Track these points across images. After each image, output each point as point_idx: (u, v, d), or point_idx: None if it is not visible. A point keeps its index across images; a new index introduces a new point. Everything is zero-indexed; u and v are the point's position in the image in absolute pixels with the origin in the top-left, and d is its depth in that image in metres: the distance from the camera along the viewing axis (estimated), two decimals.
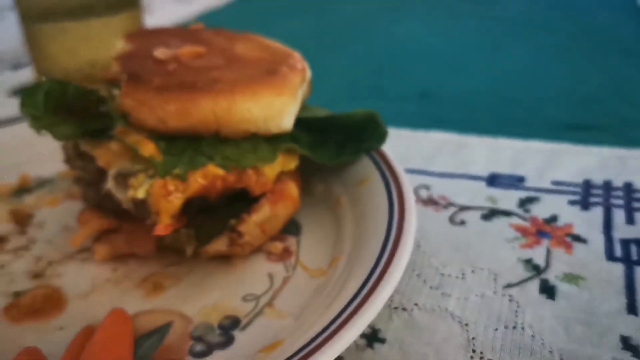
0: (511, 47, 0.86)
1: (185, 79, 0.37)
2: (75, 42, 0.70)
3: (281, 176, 0.41)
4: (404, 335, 0.34)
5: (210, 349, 0.33)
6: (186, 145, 0.37)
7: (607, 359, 0.31)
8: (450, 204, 0.46)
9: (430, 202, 0.46)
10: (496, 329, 0.34)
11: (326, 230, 0.42)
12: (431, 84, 0.73)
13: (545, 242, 0.41)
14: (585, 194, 0.46)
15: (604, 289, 0.36)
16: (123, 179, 0.37)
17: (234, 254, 0.39)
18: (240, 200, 0.39)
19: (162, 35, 0.45)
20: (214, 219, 0.38)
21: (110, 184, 0.37)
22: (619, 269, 0.38)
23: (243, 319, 0.35)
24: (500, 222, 0.43)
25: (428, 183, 0.49)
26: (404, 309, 0.36)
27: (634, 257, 0.39)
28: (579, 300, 0.35)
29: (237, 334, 0.34)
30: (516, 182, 0.48)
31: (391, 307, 0.36)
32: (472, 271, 0.38)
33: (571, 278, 0.37)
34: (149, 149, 0.35)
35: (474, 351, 0.32)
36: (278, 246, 0.41)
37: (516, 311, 0.35)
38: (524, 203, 0.45)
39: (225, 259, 0.40)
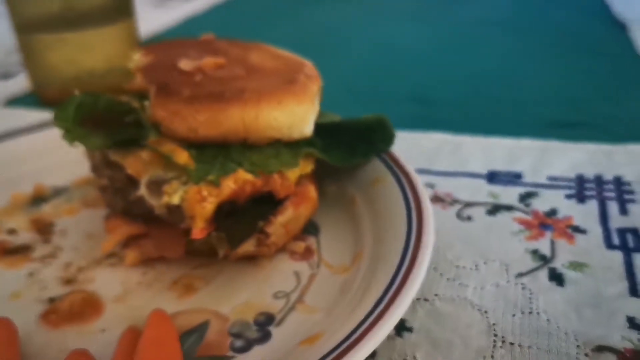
0: (486, 49, 0.89)
1: (212, 89, 0.39)
2: (72, 52, 0.71)
3: (301, 179, 0.43)
4: (429, 324, 0.36)
5: (250, 344, 0.35)
6: (216, 152, 0.39)
7: (617, 338, 0.34)
8: (455, 201, 0.49)
9: (436, 199, 0.49)
10: (514, 315, 0.36)
11: (344, 229, 0.45)
12: (419, 86, 0.76)
13: (548, 234, 0.44)
14: (580, 188, 0.49)
15: (607, 274, 0.39)
16: (156, 186, 0.38)
17: (261, 254, 0.41)
18: (265, 203, 0.41)
19: (179, 46, 0.47)
20: (242, 222, 0.40)
21: (143, 191, 0.39)
22: (618, 256, 0.41)
23: (277, 315, 0.37)
24: (504, 217, 0.46)
25: (432, 181, 0.52)
26: (426, 300, 0.38)
27: (631, 244, 0.42)
28: (586, 286, 0.38)
29: (273, 329, 0.36)
30: (514, 178, 0.51)
31: (414, 298, 0.38)
32: (485, 263, 0.41)
33: (576, 266, 0.40)
34: (183, 157, 0.37)
35: (495, 336, 0.35)
36: (300, 245, 0.43)
37: (530, 298, 0.38)
38: (524, 198, 0.48)
39: (251, 259, 0.42)
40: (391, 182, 0.44)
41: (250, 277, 0.41)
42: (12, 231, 0.47)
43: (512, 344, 0.34)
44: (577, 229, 0.44)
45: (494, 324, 0.36)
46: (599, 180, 0.50)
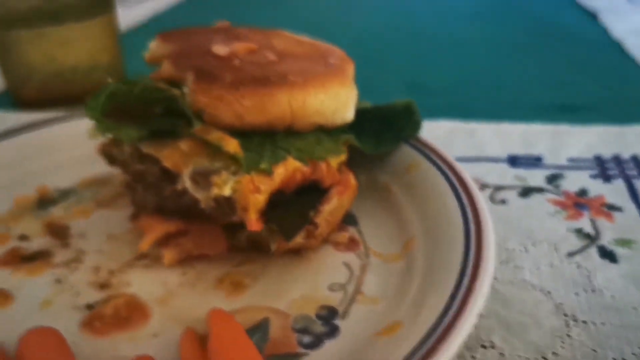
0: (468, 40, 0.90)
1: (255, 73, 0.37)
2: (52, 48, 0.67)
3: (340, 167, 0.42)
4: (496, 308, 0.36)
5: (319, 339, 0.34)
6: (262, 140, 0.37)
7: None
8: (484, 185, 0.48)
9: None
10: (577, 294, 0.36)
11: (384, 217, 0.43)
12: (416, 75, 0.75)
13: (585, 213, 0.44)
14: (602, 169, 0.50)
15: None
16: (202, 177, 0.36)
17: (308, 246, 0.40)
18: (309, 192, 0.39)
19: (199, 34, 0.44)
20: (293, 213, 0.38)
21: (186, 184, 0.36)
22: None
23: (338, 307, 0.36)
24: (537, 198, 0.46)
25: None
26: None
27: None
28: (638, 260, 0.39)
29: (339, 322, 0.35)
30: (535, 161, 0.52)
31: None
32: (533, 244, 0.41)
33: (623, 242, 0.40)
34: (232, 145, 0.35)
35: (565, 315, 0.35)
36: (344, 236, 0.42)
37: (588, 276, 0.38)
38: (551, 180, 0.49)
39: (295, 252, 0.40)
40: (428, 168, 0.44)
41: (299, 271, 0.39)
42: (23, 237, 0.44)
43: (584, 322, 0.34)
44: (613, 207, 0.45)
45: (560, 304, 0.36)
46: (617, 160, 0.51)
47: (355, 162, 0.46)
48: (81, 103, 0.65)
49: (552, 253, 0.40)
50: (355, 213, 0.44)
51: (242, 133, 0.37)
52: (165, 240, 0.40)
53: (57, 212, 0.47)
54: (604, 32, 0.87)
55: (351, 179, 0.42)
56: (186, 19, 1.12)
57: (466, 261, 0.34)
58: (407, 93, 0.60)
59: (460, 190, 0.40)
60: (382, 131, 0.46)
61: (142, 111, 0.39)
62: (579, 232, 0.42)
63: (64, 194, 0.49)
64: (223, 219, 0.37)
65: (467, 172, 0.47)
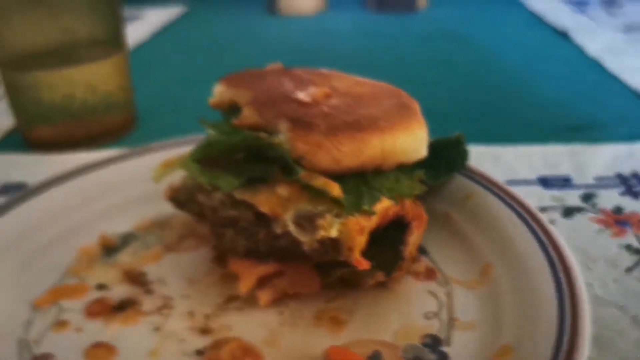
0: (448, 63, 0.94)
1: (345, 119, 0.39)
2: (66, 88, 0.66)
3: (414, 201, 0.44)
4: None
5: None
6: (356, 182, 0.39)
7: None
8: None
9: None
10: None
11: (451, 245, 0.46)
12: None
13: (629, 230, 0.48)
14: (627, 186, 0.54)
15: None
16: (307, 221, 0.38)
17: (394, 279, 0.42)
18: (394, 228, 0.42)
19: (264, 78, 0.46)
20: (386, 249, 0.40)
21: (290, 227, 0.38)
22: None
23: (440, 335, 0.38)
24: (579, 218, 0.50)
25: None
26: None
27: None
28: None
29: (446, 349, 0.37)
30: (564, 182, 0.56)
31: None
32: (593, 261, 0.45)
33: None
34: (336, 189, 0.37)
35: None
36: (422, 265, 0.44)
37: None
38: (586, 199, 0.53)
39: (381, 285, 0.42)
40: (486, 195, 0.47)
41: (390, 303, 0.41)
42: (102, 286, 0.44)
43: None
44: None
45: (635, 316, 0.39)
46: (637, 177, 0.56)
47: None
48: (95, 143, 0.66)
49: (612, 269, 0.44)
50: (424, 243, 0.47)
51: (337, 176, 0.39)
52: (259, 282, 0.41)
53: (125, 259, 0.47)
54: (579, 51, 0.94)
55: (423, 212, 0.44)
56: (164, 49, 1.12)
57: (559, 284, 0.37)
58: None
59: (524, 214, 0.43)
60: (437, 164, 0.48)
61: (229, 160, 0.41)
62: (629, 248, 0.46)
63: (125, 239, 0.49)
64: (321, 258, 0.39)
65: None
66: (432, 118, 0.44)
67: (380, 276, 0.41)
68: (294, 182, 0.39)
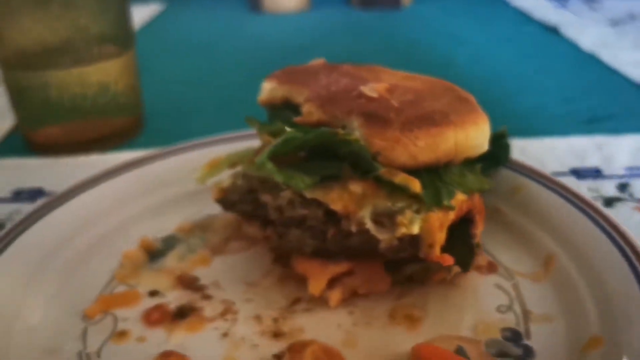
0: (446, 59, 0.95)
1: (416, 114, 0.39)
2: (72, 89, 0.63)
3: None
4: None
5: None
6: (430, 177, 0.38)
7: None
8: None
9: None
10: None
11: (507, 238, 0.46)
12: None
13: None
14: None
15: None
16: (386, 218, 0.37)
17: (460, 274, 0.42)
18: (462, 222, 0.41)
19: (315, 74, 0.45)
20: (460, 243, 0.39)
21: (368, 225, 0.37)
22: None
23: (518, 328, 0.38)
24: (621, 207, 0.51)
25: None
26: None
27: None
28: None
29: (529, 342, 0.37)
30: (596, 173, 0.56)
31: None
32: None
33: None
34: (417, 185, 0.36)
35: None
36: (484, 259, 0.44)
37: None
38: (622, 189, 0.54)
39: (447, 281, 0.42)
40: (535, 187, 0.47)
41: (459, 298, 0.41)
42: (155, 293, 0.42)
43: None
44: None
45: None
46: None
47: None
48: (104, 146, 0.63)
49: None
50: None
51: (411, 172, 0.38)
52: (329, 282, 0.40)
53: (172, 263, 0.45)
54: (573, 46, 0.95)
55: (482, 205, 0.44)
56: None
57: (636, 271, 0.37)
58: None
59: (579, 204, 0.44)
60: (481, 158, 0.48)
61: (294, 158, 0.39)
62: None
63: (168, 243, 0.47)
64: (396, 256, 0.38)
65: None
66: None
67: (449, 272, 0.40)
68: (366, 179, 0.38)
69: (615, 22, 1.06)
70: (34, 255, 0.42)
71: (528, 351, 0.36)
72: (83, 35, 0.61)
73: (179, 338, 0.38)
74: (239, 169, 0.45)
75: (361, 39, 1.08)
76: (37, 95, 0.63)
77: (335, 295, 0.40)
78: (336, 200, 0.38)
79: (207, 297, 0.42)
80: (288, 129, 0.37)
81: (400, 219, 0.36)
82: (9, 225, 0.43)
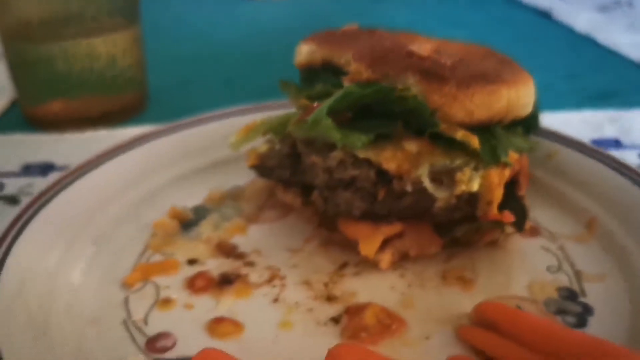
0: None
1: (469, 72, 0.38)
2: (76, 63, 0.61)
3: None
4: None
5: (582, 318, 0.35)
6: (484, 136, 0.38)
7: None
8: None
9: None
10: None
11: (545, 202, 0.46)
12: None
13: None
14: None
15: None
16: (445, 175, 0.36)
17: (505, 236, 0.41)
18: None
19: (355, 36, 0.44)
20: (510, 202, 0.39)
21: (426, 184, 0.36)
22: None
23: (573, 287, 0.38)
24: None
25: None
26: None
27: None
28: None
29: (586, 300, 0.37)
30: (616, 144, 0.57)
31: None
32: None
33: None
34: (475, 141, 0.36)
35: None
36: (527, 223, 0.43)
37: None
38: None
39: (493, 244, 0.41)
40: (569, 152, 0.47)
41: (507, 260, 0.41)
42: (194, 261, 0.41)
43: None
44: None
45: None
46: None
47: None
48: (104, 123, 0.61)
49: None
50: None
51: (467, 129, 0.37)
52: (380, 245, 0.39)
53: (206, 232, 0.44)
54: (568, 29, 0.96)
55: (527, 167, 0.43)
56: None
57: None
58: None
59: (616, 165, 0.44)
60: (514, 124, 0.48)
61: (343, 117, 0.38)
62: None
63: (199, 212, 0.46)
64: (449, 216, 0.38)
65: None
66: None
67: (502, 233, 0.40)
68: (420, 137, 0.37)
69: (603, 8, 1.08)
70: (64, 224, 0.40)
71: (586, 309, 0.36)
72: (92, 5, 0.58)
73: (227, 305, 0.37)
74: (272, 135, 0.44)
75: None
76: (41, 69, 0.60)
77: (386, 258, 0.39)
78: (390, 159, 0.37)
79: (250, 264, 0.40)
80: (343, 86, 0.36)
81: (459, 176, 0.36)
82: (36, 192, 0.41)
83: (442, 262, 0.40)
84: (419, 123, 0.37)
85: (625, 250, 0.40)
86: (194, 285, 0.38)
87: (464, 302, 0.37)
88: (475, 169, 0.36)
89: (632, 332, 0.34)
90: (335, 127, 0.36)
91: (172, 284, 0.39)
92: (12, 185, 0.51)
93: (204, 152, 0.50)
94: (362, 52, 0.40)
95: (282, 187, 0.44)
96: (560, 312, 0.36)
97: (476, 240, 0.41)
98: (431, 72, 0.37)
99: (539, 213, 0.45)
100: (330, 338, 0.34)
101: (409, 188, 0.37)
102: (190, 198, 0.47)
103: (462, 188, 0.36)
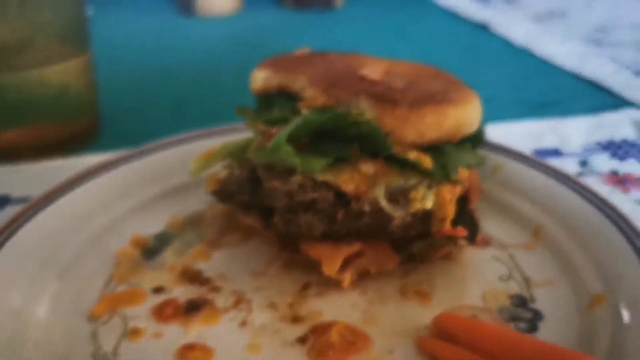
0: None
1: (419, 94, 0.40)
2: (26, 92, 0.60)
3: None
4: None
5: (532, 324, 0.38)
6: (435, 155, 0.40)
7: None
8: None
9: None
10: None
11: (493, 213, 0.48)
12: None
13: (632, 189, 0.53)
14: (611, 151, 0.60)
15: None
16: (400, 195, 0.38)
17: (458, 249, 0.43)
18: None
19: (309, 60, 0.46)
20: (462, 217, 0.41)
21: (382, 203, 0.38)
22: None
23: (524, 294, 0.40)
24: (589, 182, 0.55)
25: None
26: None
27: None
28: None
29: (536, 306, 0.39)
30: (556, 153, 0.60)
31: None
32: None
33: None
34: (427, 161, 0.38)
35: None
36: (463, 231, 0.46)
37: None
38: (584, 165, 0.58)
39: (446, 257, 0.44)
40: (515, 165, 0.50)
41: (461, 271, 0.43)
42: (159, 289, 0.41)
43: None
44: None
45: None
46: (614, 144, 0.62)
47: None
48: (59, 151, 0.60)
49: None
50: None
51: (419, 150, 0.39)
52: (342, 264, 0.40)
53: (170, 259, 0.44)
54: (505, 42, 1.01)
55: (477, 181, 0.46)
56: None
57: (624, 232, 0.40)
58: None
59: (560, 177, 0.47)
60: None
61: (300, 143, 0.40)
62: None
63: (162, 240, 0.46)
64: (406, 233, 0.40)
65: None
66: None
67: (455, 246, 0.42)
68: (376, 159, 0.39)
69: (538, 19, 1.13)
70: (26, 260, 0.40)
71: (537, 314, 0.38)
72: (42, 33, 0.58)
73: (196, 331, 0.38)
74: (230, 160, 0.45)
75: (296, 40, 1.09)
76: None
77: (347, 276, 0.40)
78: (347, 181, 0.39)
79: (216, 289, 0.41)
80: (303, 112, 0.37)
81: (413, 194, 0.38)
82: None
83: (399, 277, 0.42)
84: (373, 146, 0.38)
85: (569, 255, 0.42)
86: (161, 313, 0.39)
87: (423, 315, 0.38)
88: (429, 187, 0.38)
89: (581, 335, 0.36)
90: (295, 153, 0.37)
91: (139, 313, 0.39)
92: None
93: (162, 179, 0.51)
94: (316, 77, 0.42)
95: (242, 211, 0.45)
96: (514, 319, 0.38)
97: (431, 254, 0.43)
98: (383, 96, 0.39)
99: (489, 224, 0.47)
100: (298, 358, 0.35)
101: (366, 208, 0.39)
102: (152, 225, 0.48)
103: (416, 206, 0.38)
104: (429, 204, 0.38)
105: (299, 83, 0.43)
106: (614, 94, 0.76)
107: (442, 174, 0.38)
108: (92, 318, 0.39)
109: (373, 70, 0.43)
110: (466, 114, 0.41)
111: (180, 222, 0.48)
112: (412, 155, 0.38)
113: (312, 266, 0.41)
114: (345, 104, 0.40)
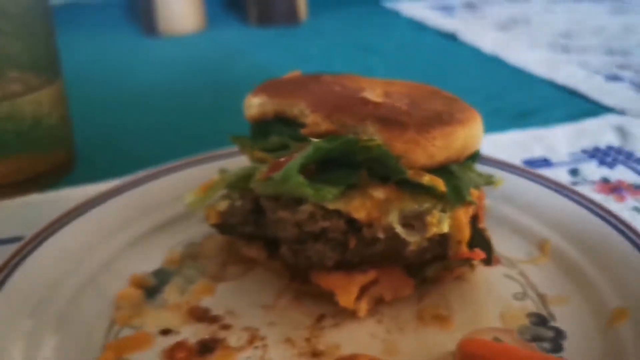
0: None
1: (425, 115, 0.40)
2: (11, 122, 0.58)
3: None
4: None
5: (556, 343, 0.37)
6: (446, 176, 0.39)
7: None
8: None
9: None
10: None
11: (496, 230, 0.47)
12: None
13: (627, 196, 0.54)
14: (598, 159, 0.61)
15: None
16: (415, 219, 0.37)
17: (470, 270, 0.43)
18: None
19: (303, 84, 0.45)
20: (475, 238, 0.40)
21: (398, 229, 0.37)
22: None
23: (542, 312, 0.40)
24: (583, 190, 0.55)
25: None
26: None
27: None
28: None
29: (556, 324, 0.39)
30: (545, 162, 0.61)
31: None
32: None
33: None
34: (441, 184, 0.37)
35: None
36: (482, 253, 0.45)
37: None
38: (575, 174, 0.58)
39: (458, 278, 0.43)
40: (513, 178, 0.50)
41: (476, 292, 0.42)
42: (167, 331, 0.39)
43: None
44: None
45: None
46: (600, 150, 0.62)
47: None
48: (34, 186, 0.58)
49: None
50: None
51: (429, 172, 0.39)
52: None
53: (173, 298, 0.42)
54: (474, 50, 1.02)
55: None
56: None
57: (633, 242, 0.40)
58: None
59: (559, 189, 0.47)
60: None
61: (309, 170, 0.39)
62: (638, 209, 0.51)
63: (161, 277, 0.44)
64: (421, 258, 0.39)
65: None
66: None
67: (470, 268, 0.41)
68: (386, 184, 0.38)
69: (503, 26, 1.15)
70: (20, 313, 0.38)
71: (559, 332, 0.38)
72: (13, 64, 0.56)
73: None
74: (226, 190, 0.43)
75: (263, 56, 1.08)
76: None
77: (363, 306, 0.39)
78: (359, 208, 0.38)
79: (226, 327, 0.39)
80: (306, 139, 0.36)
81: (429, 219, 0.37)
82: None
83: (414, 301, 0.41)
84: (383, 170, 0.37)
85: (579, 268, 0.42)
86: (173, 357, 0.37)
87: (445, 340, 0.38)
88: (443, 210, 0.37)
89: (606, 351, 0.36)
90: (307, 183, 0.36)
91: (149, 359, 0.37)
92: None
93: (154, 211, 0.49)
94: (316, 102, 0.41)
95: (244, 242, 0.44)
96: (536, 339, 0.38)
97: (445, 276, 0.42)
98: (389, 119, 0.38)
99: (494, 241, 0.46)
100: None
101: (380, 234, 0.37)
102: (148, 261, 0.45)
103: (433, 230, 0.37)
104: (445, 227, 0.37)
105: (298, 108, 0.41)
106: (589, 100, 0.77)
107: (456, 196, 0.37)
108: None
109: (372, 92, 0.42)
110: (473, 133, 0.40)
111: (178, 256, 0.46)
112: (426, 179, 0.37)
113: (324, 296, 0.40)
114: (351, 129, 0.39)
